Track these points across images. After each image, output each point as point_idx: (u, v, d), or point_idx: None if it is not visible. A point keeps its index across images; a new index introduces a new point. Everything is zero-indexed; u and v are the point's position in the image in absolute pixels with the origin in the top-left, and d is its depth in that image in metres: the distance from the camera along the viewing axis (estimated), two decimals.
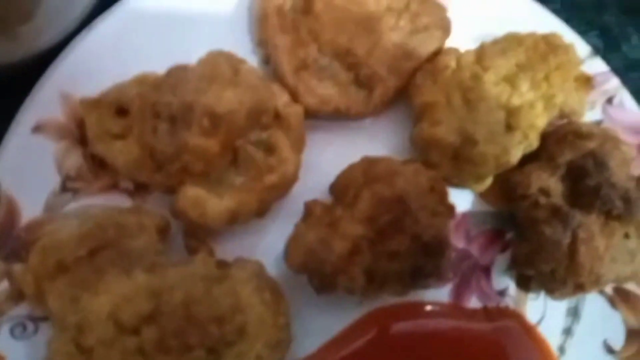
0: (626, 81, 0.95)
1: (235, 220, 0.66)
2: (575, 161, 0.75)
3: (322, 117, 0.78)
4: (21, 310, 0.64)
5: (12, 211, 0.65)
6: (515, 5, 0.85)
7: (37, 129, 0.68)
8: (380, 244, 0.65)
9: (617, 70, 0.95)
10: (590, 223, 0.72)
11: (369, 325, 0.74)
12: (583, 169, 0.74)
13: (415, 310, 0.76)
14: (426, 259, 0.66)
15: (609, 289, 0.80)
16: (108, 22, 0.73)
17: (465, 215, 0.81)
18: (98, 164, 0.69)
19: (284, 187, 0.68)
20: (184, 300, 0.59)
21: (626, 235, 0.74)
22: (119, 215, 0.63)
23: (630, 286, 0.80)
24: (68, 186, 0.68)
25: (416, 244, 0.66)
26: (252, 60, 0.77)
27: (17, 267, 0.63)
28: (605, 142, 0.75)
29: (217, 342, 0.60)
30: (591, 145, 0.75)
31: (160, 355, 0.58)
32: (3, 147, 0.66)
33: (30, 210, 0.66)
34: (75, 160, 0.69)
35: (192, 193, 0.65)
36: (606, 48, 0.98)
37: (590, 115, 0.85)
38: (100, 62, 0.71)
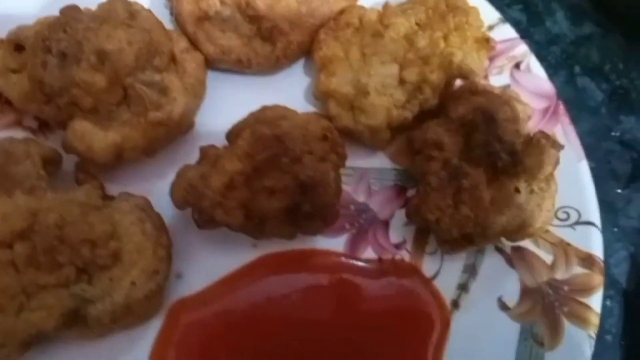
0: (547, 54, 0.98)
1: (122, 156, 0.70)
2: (467, 115, 0.76)
3: (226, 68, 0.81)
4: None
5: None
6: None
7: None
8: (257, 180, 0.68)
9: (538, 43, 0.97)
10: (476, 175, 0.74)
11: (258, 269, 0.76)
12: (473, 123, 0.75)
13: (307, 257, 0.78)
14: (303, 197, 0.68)
15: (507, 247, 0.81)
16: None
17: (367, 170, 0.83)
18: (3, 102, 0.73)
19: (170, 126, 0.71)
20: (58, 222, 0.62)
21: (516, 190, 0.75)
22: (8, 144, 0.67)
23: (528, 245, 0.81)
24: None
25: (294, 182, 0.68)
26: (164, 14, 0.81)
27: None
28: (497, 98, 0.77)
29: (88, 264, 0.63)
30: (483, 101, 0.77)
31: (30, 269, 0.61)
32: None
33: None
34: None
35: (79, 127, 0.68)
36: (529, 21, 1.00)
37: (497, 80, 0.87)
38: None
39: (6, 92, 0.69)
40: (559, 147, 0.75)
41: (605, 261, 0.80)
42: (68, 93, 0.67)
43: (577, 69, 0.98)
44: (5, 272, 0.61)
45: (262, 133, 0.68)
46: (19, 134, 0.74)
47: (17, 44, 0.70)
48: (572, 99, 0.95)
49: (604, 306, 0.85)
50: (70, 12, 0.69)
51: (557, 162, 0.75)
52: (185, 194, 0.69)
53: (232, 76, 0.83)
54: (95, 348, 0.70)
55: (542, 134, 0.76)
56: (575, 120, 0.87)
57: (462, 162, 0.75)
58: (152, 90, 0.70)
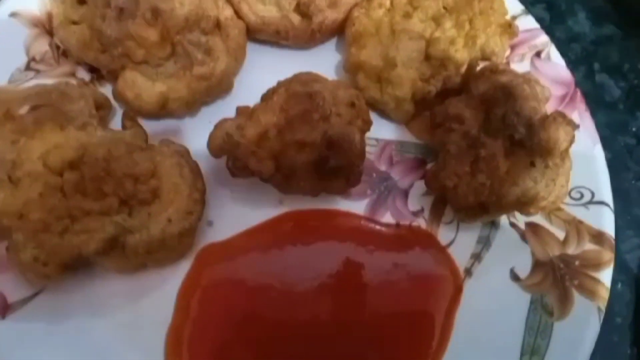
0: (567, 50, 1.02)
1: (166, 106, 0.76)
2: (488, 92, 0.81)
3: (264, 40, 0.88)
4: None
5: None
6: None
7: (14, 14, 0.81)
8: (289, 133, 0.73)
9: (559, 40, 1.02)
10: (494, 145, 0.78)
11: (284, 221, 0.81)
12: (493, 98, 0.80)
13: (330, 216, 0.82)
14: (330, 152, 0.73)
15: (521, 223, 0.85)
16: None
17: (390, 142, 0.88)
18: (61, 54, 0.80)
19: (212, 81, 0.77)
20: (106, 156, 0.68)
21: (532, 164, 0.79)
22: (64, 85, 0.73)
23: (541, 222, 0.84)
24: (32, 67, 0.80)
25: (322, 137, 0.73)
26: None
27: None
28: (517, 77, 0.81)
29: (130, 197, 0.69)
30: (503, 79, 0.81)
31: (77, 196, 0.67)
32: None
33: None
34: (41, 46, 0.81)
35: (130, 76, 0.75)
36: (552, 19, 1.05)
37: (519, 67, 0.91)
38: None
39: (65, 42, 0.76)
40: (574, 125, 0.79)
41: (617, 244, 0.82)
42: (122, 44, 0.74)
43: (596, 66, 1.02)
44: (54, 195, 0.66)
45: (296, 90, 0.74)
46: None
47: None
48: (590, 94, 0.99)
49: (614, 290, 0.88)
50: None
51: (572, 140, 0.79)
52: (222, 143, 0.74)
53: (269, 48, 0.89)
54: (129, 283, 0.75)
55: (559, 112, 0.80)
56: (592, 113, 0.91)
57: (480, 132, 0.79)
58: (198, 49, 0.77)
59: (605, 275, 0.79)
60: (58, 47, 0.81)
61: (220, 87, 0.79)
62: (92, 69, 0.82)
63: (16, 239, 0.65)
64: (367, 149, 0.83)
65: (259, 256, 0.79)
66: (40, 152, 0.68)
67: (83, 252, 0.66)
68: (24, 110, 0.70)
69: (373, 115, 0.85)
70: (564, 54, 0.97)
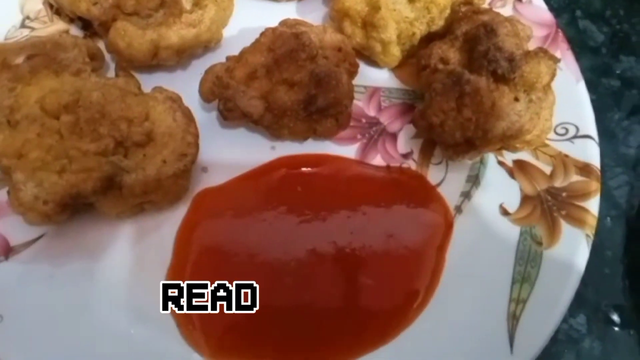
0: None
1: (157, 54, 0.78)
2: (470, 31, 0.83)
3: None
4: None
5: None
6: None
7: None
8: (277, 72, 0.75)
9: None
10: (478, 81, 0.80)
11: (276, 165, 0.83)
12: (476, 36, 0.82)
13: (321, 160, 0.84)
14: (318, 90, 0.75)
15: (508, 161, 0.87)
16: None
17: (378, 88, 0.90)
18: (54, 12, 0.83)
19: (201, 29, 0.79)
20: (100, 99, 0.71)
21: (515, 99, 0.81)
22: (58, 36, 0.76)
23: (528, 158, 0.86)
24: (26, 24, 0.83)
25: (310, 76, 0.75)
26: None
27: None
28: (499, 16, 0.84)
29: (125, 139, 0.71)
30: (485, 18, 0.83)
31: (74, 136, 0.69)
32: None
33: None
34: (35, 4, 0.84)
35: (121, 26, 0.77)
36: None
37: (502, 12, 0.92)
38: None
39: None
40: (555, 59, 0.81)
41: (605, 181, 0.84)
42: None
43: (578, 12, 1.04)
44: (51, 137, 0.69)
45: (283, 31, 0.76)
46: None
47: None
48: (573, 40, 1.00)
49: (604, 224, 0.90)
50: None
51: (554, 73, 0.81)
52: (212, 86, 0.77)
53: (258, 2, 0.92)
54: (128, 227, 0.77)
55: (540, 48, 0.82)
56: (577, 57, 0.92)
57: (464, 70, 0.81)
58: (186, 0, 0.79)
59: (593, 204, 0.81)
60: (52, 6, 0.83)
61: (209, 36, 0.81)
62: (85, 27, 0.84)
63: (16, 179, 0.67)
64: (356, 96, 0.86)
65: (253, 201, 0.81)
66: (37, 96, 0.70)
67: (81, 190, 0.69)
68: (20, 60, 0.72)
69: (360, 63, 0.87)
70: (546, 2, 0.99)
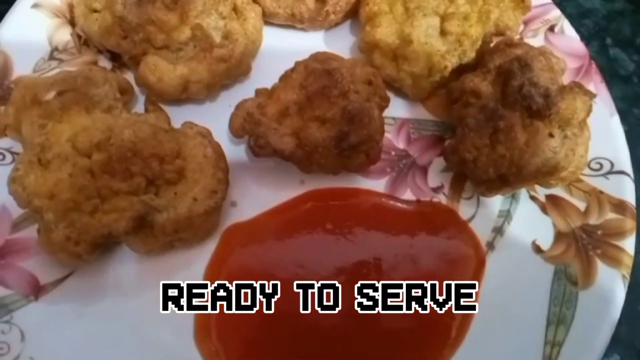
0: (579, 26, 1.03)
1: (188, 88, 0.77)
2: (504, 65, 0.81)
3: (280, 24, 0.89)
4: (3, 143, 0.77)
5: (7, 66, 0.80)
6: None
7: (36, 5, 0.83)
8: (309, 109, 0.74)
9: (571, 16, 1.02)
10: (512, 116, 0.79)
11: (305, 200, 0.82)
12: (510, 71, 0.80)
13: (351, 194, 0.83)
14: (350, 127, 0.74)
15: (541, 196, 0.85)
16: None
17: (407, 120, 0.89)
18: (83, 43, 0.82)
19: (231, 63, 0.78)
20: (132, 137, 0.70)
21: (550, 134, 0.79)
22: (89, 71, 0.75)
23: (562, 194, 0.85)
24: (55, 56, 0.82)
25: (342, 112, 0.74)
26: None
27: (2, 108, 0.75)
28: (532, 49, 0.82)
29: (157, 177, 0.70)
30: (519, 51, 0.82)
31: (105, 176, 0.68)
32: (8, 15, 0.83)
33: (21, 68, 0.80)
34: (64, 36, 0.83)
35: (152, 60, 0.76)
36: None
37: (533, 42, 0.91)
38: None
39: (87, 30, 0.78)
40: (591, 94, 0.80)
41: (638, 213, 0.83)
42: (143, 29, 0.75)
43: (608, 40, 1.03)
44: (83, 176, 0.68)
45: (315, 67, 0.75)
46: None
47: None
48: (604, 68, 0.99)
49: (637, 260, 0.88)
50: None
51: (589, 109, 0.79)
52: (243, 122, 0.76)
53: (285, 31, 0.91)
54: (157, 264, 0.76)
55: (576, 83, 0.81)
56: (608, 86, 0.91)
57: (498, 105, 0.80)
58: (216, 33, 0.78)
59: (629, 243, 0.79)
60: (80, 37, 0.83)
61: (239, 69, 0.80)
62: (114, 58, 0.84)
63: (47, 219, 0.66)
64: (385, 127, 0.84)
65: (282, 235, 0.80)
66: (68, 134, 0.69)
67: (113, 230, 0.68)
68: (50, 95, 0.72)
69: (389, 94, 0.86)
70: (576, 29, 0.97)
